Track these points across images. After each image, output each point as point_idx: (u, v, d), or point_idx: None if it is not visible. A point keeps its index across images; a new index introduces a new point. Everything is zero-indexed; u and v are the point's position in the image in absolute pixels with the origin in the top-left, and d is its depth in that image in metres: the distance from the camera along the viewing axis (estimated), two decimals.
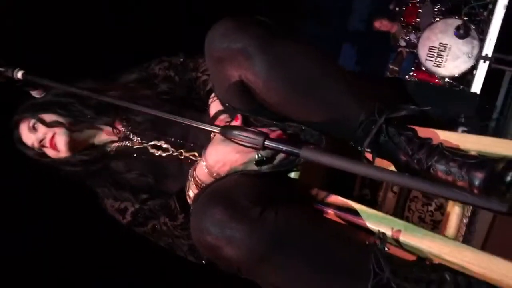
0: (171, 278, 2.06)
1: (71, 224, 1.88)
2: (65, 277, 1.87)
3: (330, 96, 0.97)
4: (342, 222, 1.02)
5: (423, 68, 3.13)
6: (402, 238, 0.92)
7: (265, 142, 0.75)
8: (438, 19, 3.04)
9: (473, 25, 2.79)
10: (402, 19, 3.70)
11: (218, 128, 0.80)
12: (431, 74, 3.09)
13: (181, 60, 1.32)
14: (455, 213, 0.99)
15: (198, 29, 1.16)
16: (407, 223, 0.95)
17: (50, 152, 1.29)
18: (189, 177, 1.09)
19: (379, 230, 0.94)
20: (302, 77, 0.98)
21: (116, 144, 1.33)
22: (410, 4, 3.61)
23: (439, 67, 2.99)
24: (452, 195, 0.64)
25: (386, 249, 0.90)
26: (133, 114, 1.29)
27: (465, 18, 2.87)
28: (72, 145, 1.28)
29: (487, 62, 2.54)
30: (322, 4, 4.27)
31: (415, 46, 3.21)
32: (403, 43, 3.75)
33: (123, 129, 1.32)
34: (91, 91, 1.03)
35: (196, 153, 1.22)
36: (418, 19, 3.57)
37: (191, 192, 1.09)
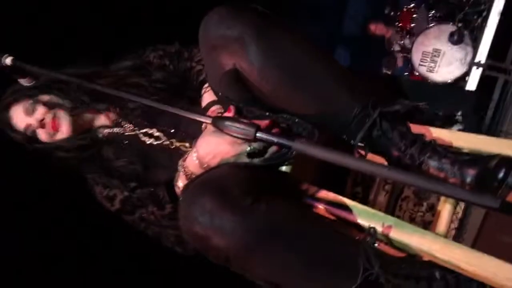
0: (161, 272, 2.03)
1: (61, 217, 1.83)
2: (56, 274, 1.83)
3: (325, 89, 0.97)
4: (333, 217, 1.01)
5: (417, 73, 3.14)
6: (393, 234, 0.91)
7: (257, 134, 0.74)
8: (432, 24, 3.06)
9: (467, 32, 2.81)
10: (397, 23, 3.72)
11: (210, 118, 0.79)
12: (424, 79, 3.11)
13: (176, 49, 1.31)
14: (446, 211, 0.99)
15: (193, 20, 1.14)
16: (398, 219, 0.94)
17: (43, 136, 1.26)
18: (179, 167, 1.08)
19: (369, 225, 0.93)
20: (297, 67, 0.97)
21: (108, 130, 1.31)
22: (405, 9, 3.63)
23: (432, 72, 3.00)
24: (444, 190, 0.63)
25: (376, 245, 0.90)
26: (126, 101, 1.28)
27: (459, 24, 2.88)
28: (74, 126, 1.27)
29: (480, 69, 2.56)
30: (317, 6, 4.27)
31: (409, 51, 3.22)
32: (397, 48, 3.76)
33: (116, 116, 1.31)
34: (83, 78, 1.01)
35: (187, 143, 1.21)
36: (413, 24, 3.59)
37: (180, 183, 1.08)
